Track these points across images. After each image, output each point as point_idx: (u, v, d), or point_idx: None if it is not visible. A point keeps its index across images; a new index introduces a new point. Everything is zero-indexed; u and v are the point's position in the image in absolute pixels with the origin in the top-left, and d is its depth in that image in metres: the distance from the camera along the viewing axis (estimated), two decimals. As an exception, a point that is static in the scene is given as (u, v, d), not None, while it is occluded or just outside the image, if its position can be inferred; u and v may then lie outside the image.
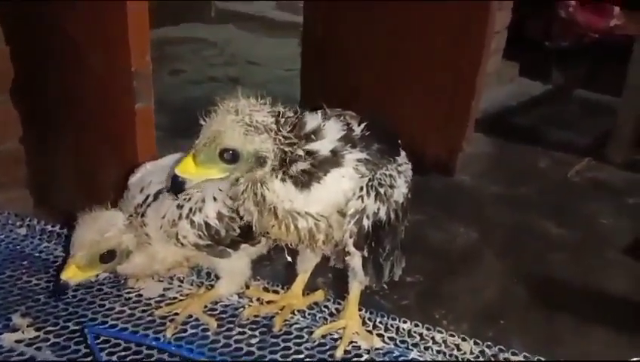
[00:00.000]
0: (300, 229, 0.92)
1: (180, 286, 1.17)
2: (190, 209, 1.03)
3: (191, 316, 1.09)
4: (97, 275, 1.06)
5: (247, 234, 1.07)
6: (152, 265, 1.07)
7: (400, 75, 2.72)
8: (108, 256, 1.00)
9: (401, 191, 0.95)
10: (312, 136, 0.88)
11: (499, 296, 2.18)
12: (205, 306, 1.12)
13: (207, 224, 1.03)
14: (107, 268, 1.02)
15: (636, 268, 2.33)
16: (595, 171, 2.99)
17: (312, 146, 0.88)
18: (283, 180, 0.88)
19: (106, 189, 1.41)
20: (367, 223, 0.91)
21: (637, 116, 2.93)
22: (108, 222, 1.01)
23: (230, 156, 0.85)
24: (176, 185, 0.87)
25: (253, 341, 1.05)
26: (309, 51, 3.07)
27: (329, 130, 0.90)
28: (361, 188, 0.90)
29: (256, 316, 1.10)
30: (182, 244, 1.04)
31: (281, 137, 0.86)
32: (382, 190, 0.91)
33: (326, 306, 1.15)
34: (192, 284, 1.18)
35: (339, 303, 1.15)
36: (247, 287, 1.16)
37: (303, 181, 0.88)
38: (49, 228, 1.32)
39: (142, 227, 1.04)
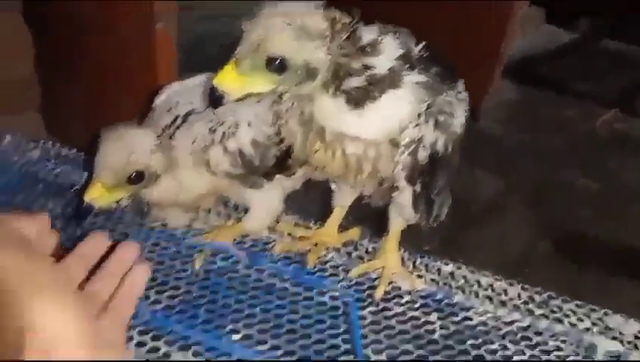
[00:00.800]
0: (348, 156, 0.83)
1: (206, 216, 1.09)
2: (223, 134, 0.93)
3: (219, 248, 1.02)
4: (121, 200, 0.97)
5: (283, 164, 0.99)
6: (178, 193, 0.98)
7: (427, 15, 2.58)
8: (136, 178, 0.91)
9: (459, 121, 0.86)
10: (368, 49, 0.78)
11: (522, 247, 2.11)
12: (234, 239, 1.04)
13: (240, 151, 0.94)
14: (134, 190, 0.93)
15: (664, 223, 2.26)
16: (622, 123, 2.89)
17: (369, 61, 0.78)
18: (334, 96, 0.78)
19: (122, 117, 1.32)
20: (423, 155, 0.81)
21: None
22: (137, 140, 0.91)
23: (278, 65, 0.75)
24: (214, 100, 0.77)
25: (287, 276, 0.97)
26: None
27: (387, 47, 0.80)
28: (419, 115, 0.80)
29: (287, 252, 1.03)
30: (213, 172, 0.96)
31: (336, 46, 0.76)
32: (442, 118, 0.81)
33: (361, 244, 1.08)
34: (219, 215, 1.11)
35: (375, 242, 1.08)
36: (278, 222, 1.09)
37: (357, 98, 0.78)
38: (64, 151, 1.24)
39: (170, 150, 0.95)
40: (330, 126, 0.80)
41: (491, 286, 1.01)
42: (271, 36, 0.74)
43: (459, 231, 2.12)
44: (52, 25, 1.66)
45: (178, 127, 0.96)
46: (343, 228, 1.09)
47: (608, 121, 2.89)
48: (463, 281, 1.01)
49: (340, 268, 1.01)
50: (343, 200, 1.06)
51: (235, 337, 0.84)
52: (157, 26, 1.38)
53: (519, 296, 0.99)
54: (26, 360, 0.47)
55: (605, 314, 0.98)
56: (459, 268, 1.04)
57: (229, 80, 0.76)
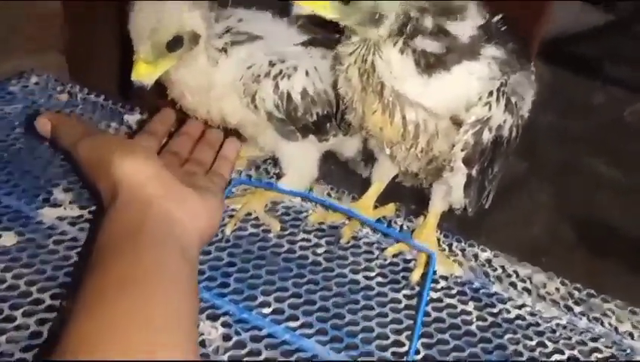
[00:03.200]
0: (408, 122, 0.77)
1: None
2: (280, 71, 0.89)
3: (250, 214, 0.98)
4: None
5: (321, 127, 0.95)
6: (209, 84, 0.90)
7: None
8: (175, 43, 0.83)
9: (528, 105, 0.81)
10: (457, 14, 0.72)
11: (542, 232, 2.07)
12: (265, 205, 1.00)
13: (289, 95, 0.90)
14: (175, 57, 0.85)
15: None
16: (652, 114, 2.82)
17: (451, 27, 0.72)
18: (402, 51, 0.72)
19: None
20: (487, 137, 0.76)
21: None
22: (167, 5, 0.82)
23: None
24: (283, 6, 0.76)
25: (320, 250, 0.93)
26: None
27: (471, 13, 0.74)
28: (491, 93, 0.75)
29: (321, 223, 0.99)
30: (255, 107, 0.90)
31: None
32: (514, 99, 0.76)
33: (396, 222, 1.03)
34: (249, 179, 1.06)
35: (410, 221, 1.04)
36: (311, 190, 1.04)
37: (428, 63, 0.72)
38: (92, 98, 1.19)
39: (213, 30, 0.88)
40: (390, 83, 0.75)
41: (530, 278, 0.97)
42: None
43: (477, 211, 2.08)
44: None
45: (242, 43, 0.90)
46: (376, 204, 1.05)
47: (637, 111, 2.81)
48: (500, 271, 0.97)
49: (374, 246, 0.97)
50: (382, 174, 1.01)
51: (266, 311, 0.80)
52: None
53: (558, 290, 0.96)
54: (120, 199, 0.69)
55: (646, 317, 0.94)
56: (496, 256, 1.00)
57: None
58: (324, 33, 0.96)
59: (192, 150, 0.94)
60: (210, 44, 0.88)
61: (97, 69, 1.54)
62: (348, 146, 1.06)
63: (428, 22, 0.71)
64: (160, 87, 0.93)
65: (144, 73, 0.82)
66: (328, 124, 0.96)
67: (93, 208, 0.92)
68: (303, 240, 0.94)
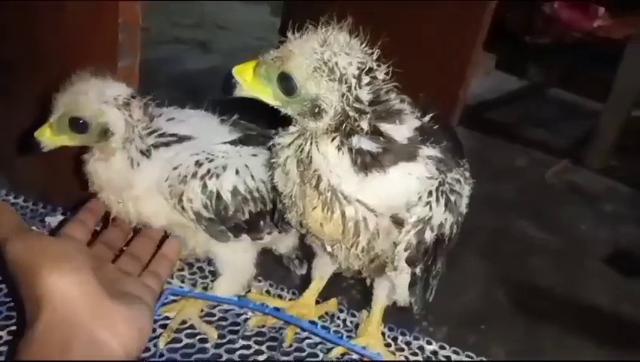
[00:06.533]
0: (347, 218, 0.75)
1: (169, 283, 0.99)
2: (208, 171, 0.86)
3: (185, 322, 0.92)
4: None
5: (254, 225, 0.92)
6: (125, 185, 0.87)
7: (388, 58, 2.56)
8: (79, 124, 0.82)
9: (465, 201, 0.81)
10: (396, 120, 0.73)
11: (478, 300, 2.07)
12: (201, 310, 0.95)
13: (218, 194, 0.87)
14: (79, 140, 0.84)
15: (616, 279, 2.27)
16: (572, 174, 2.93)
17: (387, 129, 0.72)
18: (339, 149, 0.72)
19: (77, 161, 1.21)
20: (429, 236, 0.75)
21: (620, 123, 2.88)
22: (98, 87, 0.82)
23: (286, 85, 0.71)
24: (227, 85, 0.74)
25: (261, 358, 0.89)
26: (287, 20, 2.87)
27: (407, 116, 0.74)
28: (431, 193, 0.74)
29: (261, 326, 0.94)
30: (182, 208, 0.86)
31: (352, 97, 0.69)
32: (453, 198, 0.76)
33: (339, 317, 1.00)
34: (183, 282, 1.01)
35: (353, 315, 1.01)
36: (249, 290, 1.00)
37: (364, 162, 0.72)
38: (11, 199, 1.12)
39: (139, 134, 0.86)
40: (326, 176, 0.74)
41: (476, 368, 0.95)
42: (295, 57, 0.70)
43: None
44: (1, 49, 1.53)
45: (167, 145, 0.89)
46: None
47: (559, 172, 2.92)
48: (447, 363, 0.95)
49: (318, 347, 0.93)
50: (322, 270, 0.98)
51: None
52: (120, 64, 1.27)
53: (503, 380, 0.94)
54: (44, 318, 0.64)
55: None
56: (442, 347, 0.99)
57: (246, 74, 0.73)
58: (258, 130, 0.95)
59: (130, 241, 0.90)
60: (132, 145, 0.86)
61: (19, 165, 1.46)
62: (283, 243, 1.03)
63: (364, 124, 0.71)
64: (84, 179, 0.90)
65: (45, 136, 0.83)
66: (262, 222, 0.93)
67: (13, 327, 0.84)
68: (242, 347, 0.90)
